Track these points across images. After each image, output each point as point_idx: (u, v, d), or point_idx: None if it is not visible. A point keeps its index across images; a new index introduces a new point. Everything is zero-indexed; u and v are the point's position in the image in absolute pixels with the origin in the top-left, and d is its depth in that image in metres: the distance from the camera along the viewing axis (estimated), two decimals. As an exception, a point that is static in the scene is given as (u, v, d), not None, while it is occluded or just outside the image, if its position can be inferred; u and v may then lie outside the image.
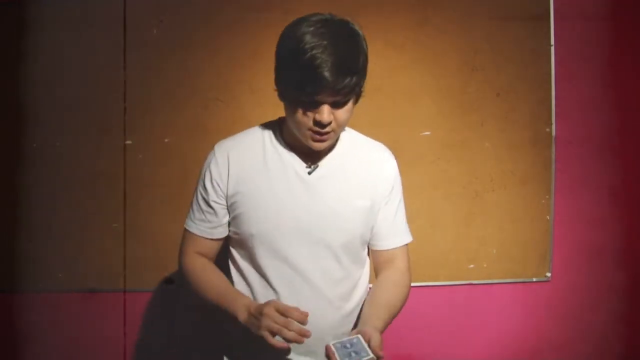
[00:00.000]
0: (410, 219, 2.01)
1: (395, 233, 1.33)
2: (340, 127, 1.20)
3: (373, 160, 1.32)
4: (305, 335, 1.09)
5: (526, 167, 2.06)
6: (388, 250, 1.33)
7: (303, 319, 1.10)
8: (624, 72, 2.08)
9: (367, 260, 1.38)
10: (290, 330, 1.09)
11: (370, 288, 1.35)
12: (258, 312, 1.12)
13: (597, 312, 2.13)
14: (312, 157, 1.26)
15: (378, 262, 1.35)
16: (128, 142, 1.94)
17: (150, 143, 1.93)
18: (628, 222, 2.12)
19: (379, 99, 1.99)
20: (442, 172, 2.03)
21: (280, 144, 1.27)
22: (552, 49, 2.04)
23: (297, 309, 1.11)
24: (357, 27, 1.16)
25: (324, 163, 1.27)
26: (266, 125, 1.32)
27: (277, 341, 1.11)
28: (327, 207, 1.24)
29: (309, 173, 1.25)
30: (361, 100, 1.98)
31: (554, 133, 2.06)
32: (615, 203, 2.11)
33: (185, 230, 1.33)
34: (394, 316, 1.24)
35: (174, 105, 1.93)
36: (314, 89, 1.10)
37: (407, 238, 1.35)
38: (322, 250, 1.25)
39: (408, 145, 2.01)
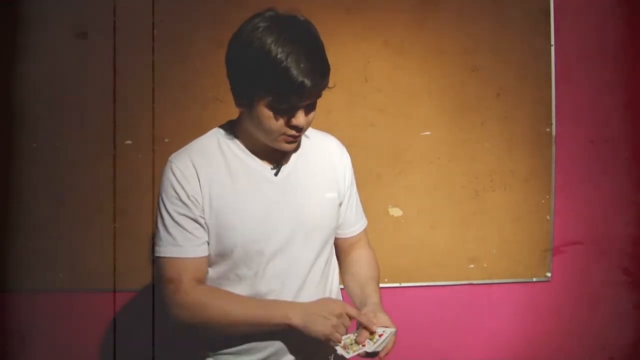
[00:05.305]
0: (411, 219, 2.04)
1: (358, 219, 1.39)
2: (309, 125, 1.19)
3: (330, 152, 1.32)
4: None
5: (526, 167, 2.06)
6: (355, 235, 1.38)
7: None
8: (624, 71, 2.08)
9: (334, 252, 1.37)
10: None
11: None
12: (330, 314, 1.14)
13: (597, 312, 2.13)
14: (273, 158, 1.24)
15: (344, 246, 1.38)
16: (128, 142, 1.94)
17: (150, 143, 1.94)
18: (628, 222, 2.12)
19: (379, 99, 1.99)
20: (442, 172, 2.03)
21: (239, 149, 1.22)
22: (552, 49, 2.04)
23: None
24: (304, 18, 1.14)
25: (286, 161, 1.25)
26: (218, 132, 1.25)
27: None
28: (302, 205, 1.23)
29: (275, 174, 1.23)
30: (361, 101, 2.01)
31: (554, 133, 2.06)
32: (615, 203, 2.11)
33: (168, 259, 1.17)
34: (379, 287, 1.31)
35: (174, 105, 1.93)
36: (295, 97, 1.08)
37: (365, 219, 1.42)
38: (305, 249, 1.23)
39: (408, 145, 2.02)
